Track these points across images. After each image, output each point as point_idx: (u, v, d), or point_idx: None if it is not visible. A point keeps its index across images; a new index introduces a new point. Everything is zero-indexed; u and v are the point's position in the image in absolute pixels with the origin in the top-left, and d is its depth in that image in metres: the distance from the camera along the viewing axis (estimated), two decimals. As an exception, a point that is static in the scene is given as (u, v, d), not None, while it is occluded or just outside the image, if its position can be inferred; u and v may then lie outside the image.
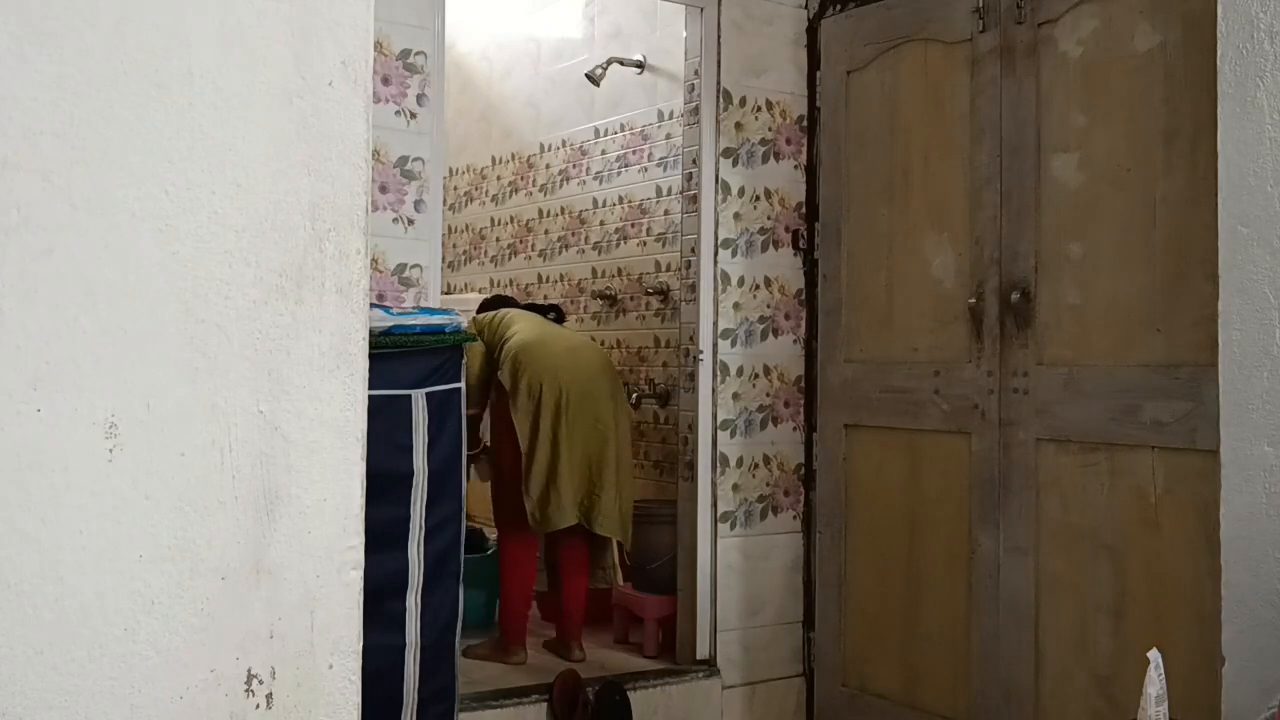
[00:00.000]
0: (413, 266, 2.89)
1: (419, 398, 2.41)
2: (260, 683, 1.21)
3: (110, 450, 1.10)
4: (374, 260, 2.84)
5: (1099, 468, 2.69)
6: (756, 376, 3.50)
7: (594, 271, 4.49)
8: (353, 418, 1.27)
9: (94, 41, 1.10)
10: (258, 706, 1.20)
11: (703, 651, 3.40)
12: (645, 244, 4.19)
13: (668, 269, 4.05)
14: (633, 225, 4.27)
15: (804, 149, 3.60)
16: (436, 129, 2.94)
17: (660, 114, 4.17)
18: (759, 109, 3.51)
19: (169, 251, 1.14)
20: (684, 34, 3.56)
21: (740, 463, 3.47)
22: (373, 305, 2.42)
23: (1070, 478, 2.75)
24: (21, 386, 1.06)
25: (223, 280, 1.18)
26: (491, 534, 4.08)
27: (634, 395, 4.03)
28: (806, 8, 3.59)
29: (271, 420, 1.21)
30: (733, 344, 3.46)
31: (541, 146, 4.87)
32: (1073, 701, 2.74)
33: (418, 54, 2.90)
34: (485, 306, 3.93)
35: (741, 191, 3.49)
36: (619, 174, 4.38)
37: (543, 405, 3.44)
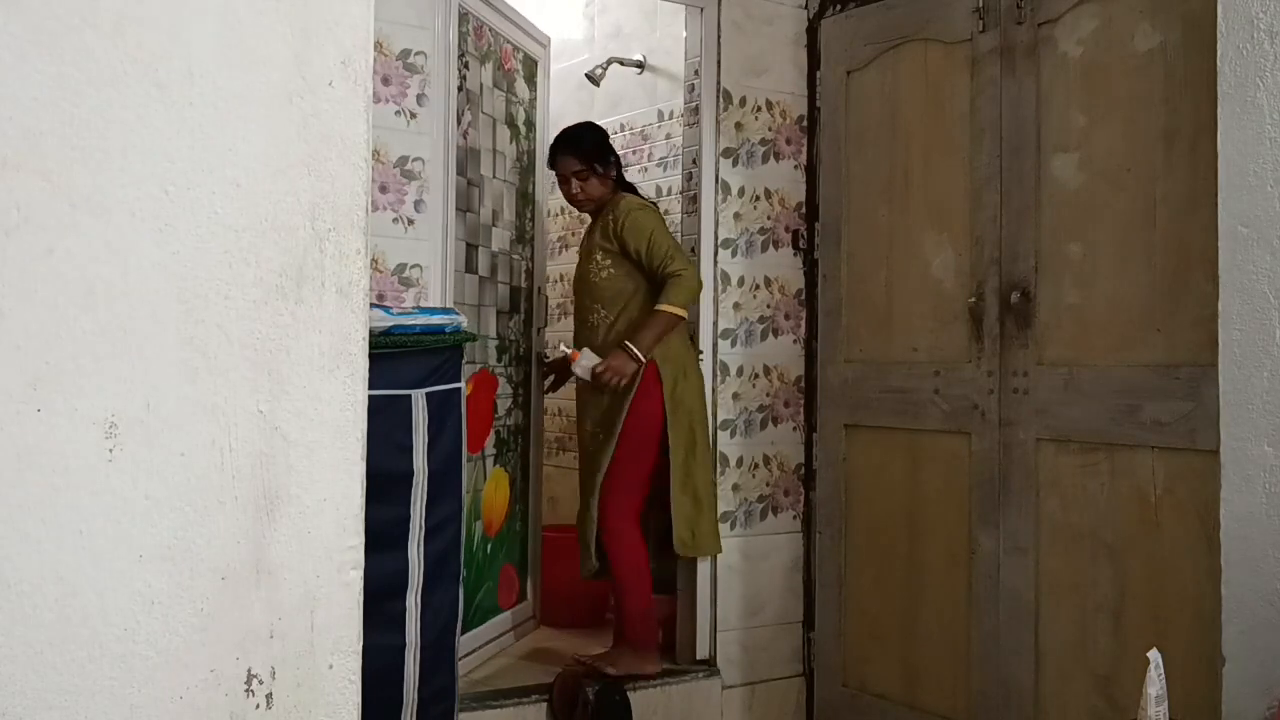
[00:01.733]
0: (413, 266, 2.89)
1: (419, 398, 2.41)
2: (260, 683, 1.21)
3: (110, 450, 1.10)
4: (374, 260, 2.84)
5: (1099, 468, 2.69)
6: (756, 376, 3.50)
7: (594, 271, 4.48)
8: (353, 418, 1.28)
9: (94, 41, 1.10)
10: (258, 707, 1.20)
11: (703, 651, 3.41)
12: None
13: (668, 269, 4.04)
14: (633, 225, 4.26)
15: (804, 149, 3.60)
16: (437, 129, 2.94)
17: (660, 114, 4.17)
18: (759, 109, 3.51)
19: (169, 251, 1.15)
20: (684, 34, 3.56)
21: (740, 463, 3.47)
22: (373, 305, 2.42)
23: (1070, 478, 2.75)
24: (21, 386, 1.06)
25: (223, 280, 1.18)
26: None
27: None
28: (806, 8, 3.59)
29: (271, 420, 1.21)
30: (733, 344, 3.46)
31: (541, 146, 4.87)
32: (1073, 701, 2.74)
33: (418, 54, 2.90)
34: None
35: (741, 191, 3.49)
36: (619, 174, 4.37)
37: (696, 424, 3.24)
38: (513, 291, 3.55)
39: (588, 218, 3.43)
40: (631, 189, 3.36)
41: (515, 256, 3.58)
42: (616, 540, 3.17)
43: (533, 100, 3.73)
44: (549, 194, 3.86)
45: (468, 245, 3.19)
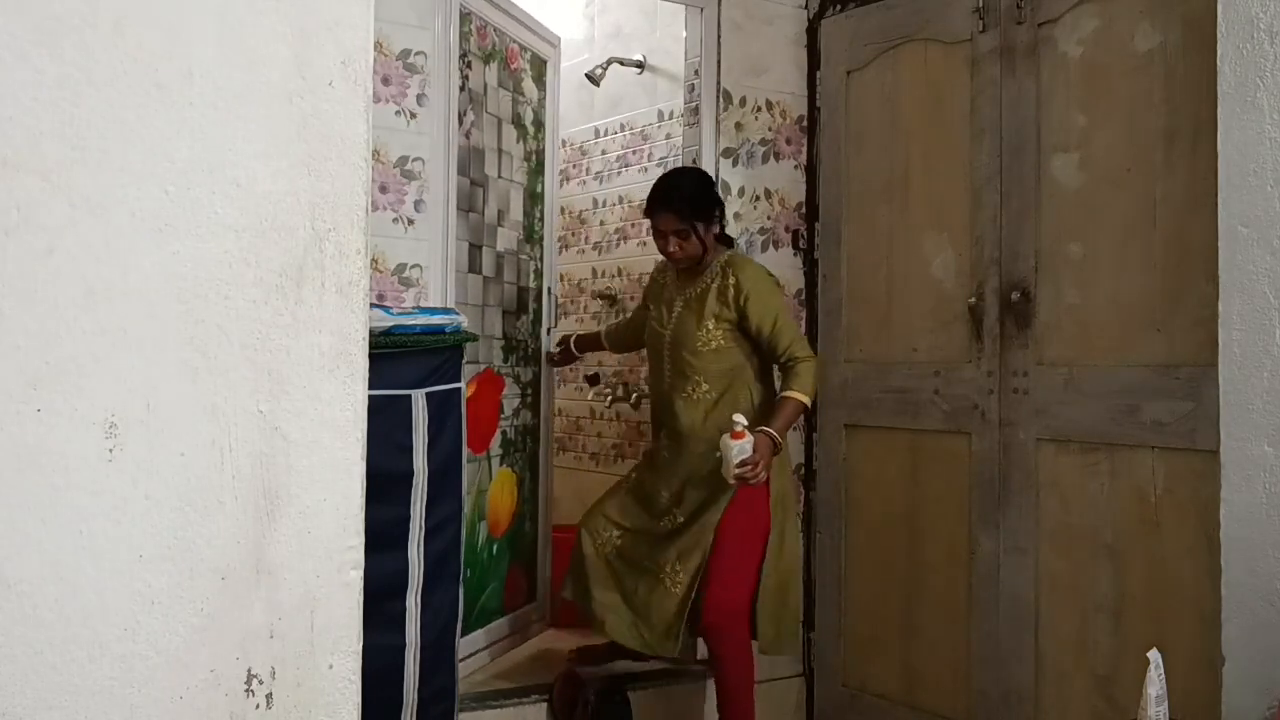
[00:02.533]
0: (413, 266, 2.89)
1: (419, 398, 2.41)
2: (260, 683, 1.21)
3: (110, 450, 1.10)
4: (374, 260, 2.84)
5: (1099, 468, 2.69)
6: (756, 376, 3.50)
7: (594, 271, 4.48)
8: (353, 418, 1.28)
9: (94, 41, 1.10)
10: (258, 706, 1.20)
11: (703, 652, 3.40)
12: (645, 244, 4.18)
13: (668, 269, 4.04)
14: (632, 225, 4.26)
15: (804, 149, 3.60)
16: (437, 129, 2.94)
17: (660, 114, 4.17)
18: (759, 109, 3.51)
19: (169, 251, 1.15)
20: (684, 34, 3.56)
21: (740, 463, 3.46)
22: (373, 305, 2.42)
23: (1070, 478, 2.75)
24: (21, 386, 1.06)
25: (223, 280, 1.18)
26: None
27: (634, 395, 4.02)
28: (806, 8, 3.59)
29: (271, 420, 1.21)
30: (733, 344, 3.46)
31: (541, 146, 4.87)
32: (1073, 702, 2.74)
33: (418, 54, 2.90)
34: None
35: (741, 191, 3.48)
36: (619, 174, 4.37)
37: (789, 515, 2.98)
38: (520, 291, 3.53)
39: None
40: (730, 241, 3.08)
41: (523, 256, 3.54)
42: (736, 648, 2.86)
43: (542, 100, 3.69)
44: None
45: (471, 245, 3.19)
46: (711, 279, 2.92)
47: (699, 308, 2.91)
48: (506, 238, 3.43)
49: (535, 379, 3.61)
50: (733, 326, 2.87)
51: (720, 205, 2.98)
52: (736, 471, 2.68)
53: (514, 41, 3.47)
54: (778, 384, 2.96)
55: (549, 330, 3.65)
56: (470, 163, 3.16)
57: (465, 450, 2.57)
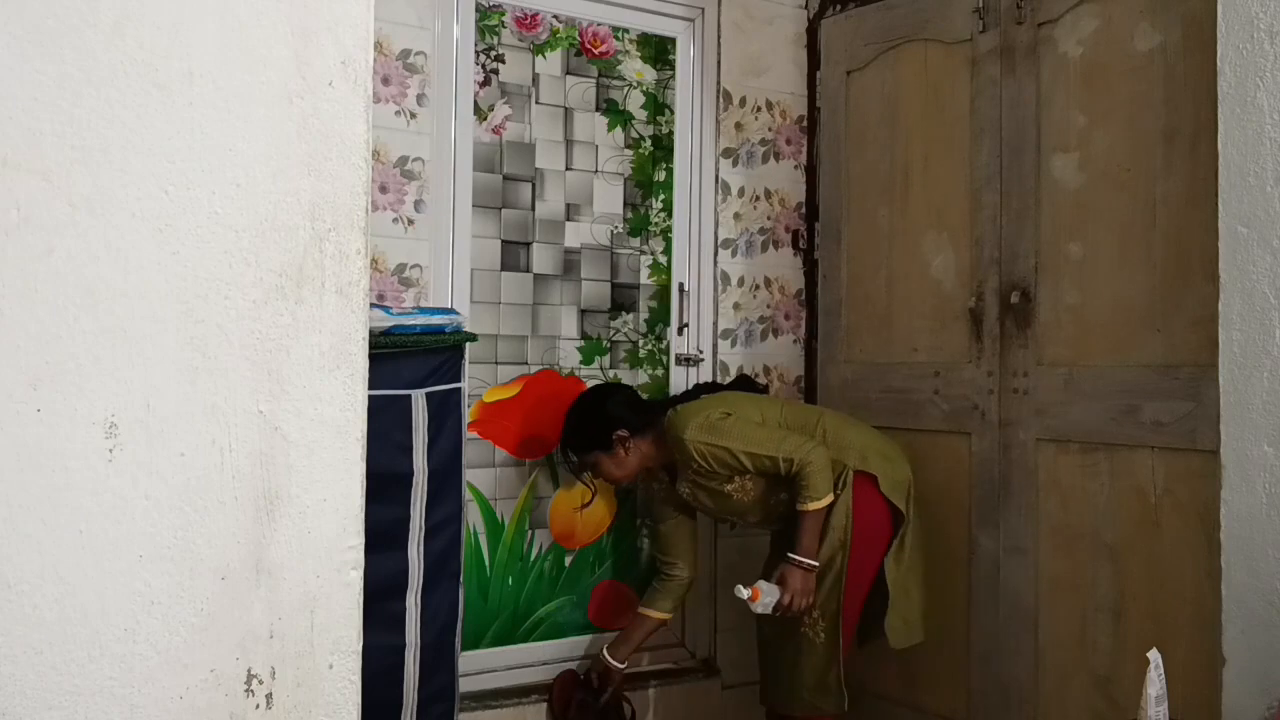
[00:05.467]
0: (413, 266, 2.90)
1: (419, 398, 2.41)
2: (260, 683, 1.21)
3: (110, 450, 1.10)
4: (374, 260, 2.84)
5: (1099, 468, 2.69)
6: (757, 377, 3.50)
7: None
8: (353, 418, 1.28)
9: (94, 41, 1.10)
10: (258, 706, 1.20)
11: (703, 651, 3.40)
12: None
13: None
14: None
15: (804, 149, 3.60)
16: (438, 129, 2.94)
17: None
18: (759, 109, 3.51)
19: (169, 251, 1.15)
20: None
21: (740, 463, 3.46)
22: (373, 305, 2.42)
23: (1070, 478, 2.75)
24: (21, 386, 1.06)
25: (223, 280, 1.18)
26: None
27: None
28: (806, 8, 3.59)
29: (271, 420, 1.21)
30: (733, 344, 3.46)
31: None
32: (1073, 701, 2.73)
33: (418, 54, 2.90)
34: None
35: (741, 191, 3.48)
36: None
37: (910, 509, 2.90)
38: (618, 289, 3.33)
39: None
40: (654, 419, 2.90)
41: (623, 251, 3.33)
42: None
43: (664, 81, 3.42)
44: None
45: (507, 243, 3.12)
46: (681, 466, 2.84)
47: (706, 487, 2.83)
48: (586, 232, 3.27)
49: (654, 383, 3.39)
50: (744, 474, 2.77)
51: (610, 422, 2.85)
52: (783, 615, 2.69)
53: (599, 24, 3.28)
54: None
55: (681, 329, 3.44)
56: (504, 158, 3.12)
57: (465, 450, 2.57)
